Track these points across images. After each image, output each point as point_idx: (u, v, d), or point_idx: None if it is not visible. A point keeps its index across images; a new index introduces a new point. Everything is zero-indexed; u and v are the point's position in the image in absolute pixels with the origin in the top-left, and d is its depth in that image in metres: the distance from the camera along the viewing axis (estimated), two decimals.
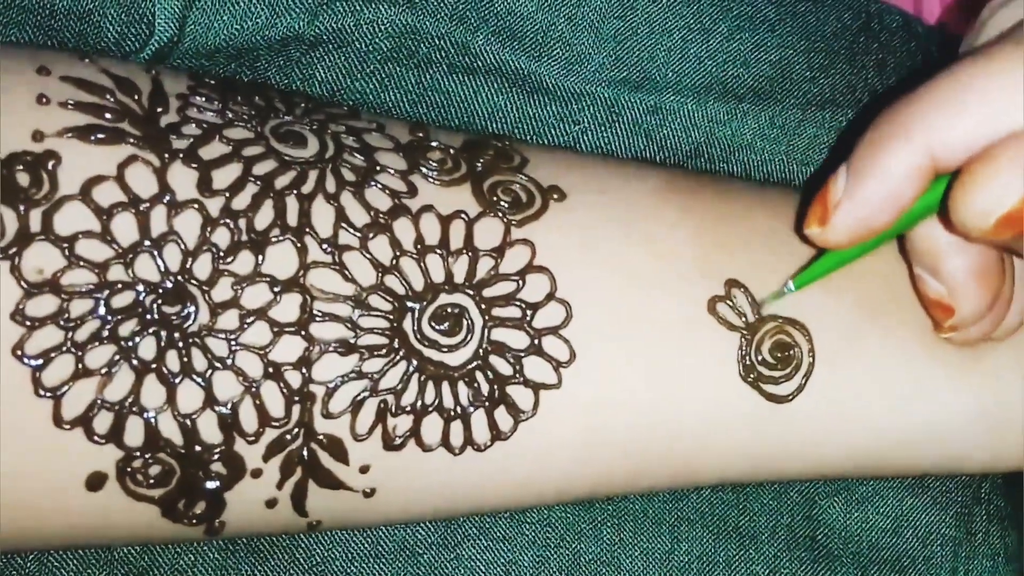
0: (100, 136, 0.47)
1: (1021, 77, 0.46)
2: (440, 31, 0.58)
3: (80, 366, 0.45)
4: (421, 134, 0.53)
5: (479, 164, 0.53)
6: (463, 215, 0.51)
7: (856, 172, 0.49)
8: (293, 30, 0.56)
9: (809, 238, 0.51)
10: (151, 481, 0.47)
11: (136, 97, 0.49)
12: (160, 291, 0.46)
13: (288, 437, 0.48)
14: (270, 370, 0.48)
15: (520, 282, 0.51)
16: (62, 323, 0.45)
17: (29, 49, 0.52)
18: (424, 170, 0.52)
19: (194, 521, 0.49)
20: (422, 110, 0.59)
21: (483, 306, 0.51)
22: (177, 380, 0.47)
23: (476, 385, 0.50)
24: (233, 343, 0.47)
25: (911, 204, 0.49)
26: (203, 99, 0.50)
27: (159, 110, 0.49)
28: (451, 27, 0.58)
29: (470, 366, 0.50)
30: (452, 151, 0.53)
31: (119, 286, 0.46)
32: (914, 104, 0.48)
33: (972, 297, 0.52)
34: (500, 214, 0.52)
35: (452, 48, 0.58)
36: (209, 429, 0.47)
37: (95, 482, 0.47)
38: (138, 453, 0.47)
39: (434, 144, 0.53)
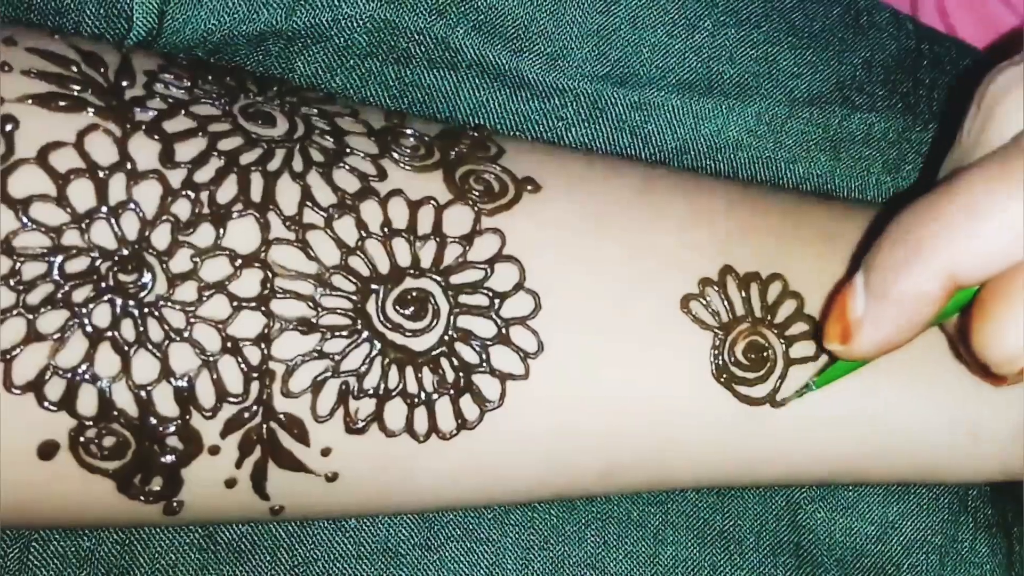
0: (61, 103, 0.47)
1: None
2: (419, 26, 0.58)
3: (32, 330, 0.45)
4: (396, 121, 0.53)
5: (453, 152, 0.52)
6: (433, 201, 0.51)
7: (875, 295, 0.48)
8: (271, 25, 0.57)
9: (832, 352, 0.51)
10: (105, 453, 0.47)
11: (102, 70, 0.49)
12: (116, 259, 0.46)
13: (246, 414, 0.48)
14: (228, 344, 0.47)
15: (488, 270, 0.51)
16: (13, 284, 0.45)
17: (0, 25, 0.52)
18: (395, 155, 0.51)
19: (151, 499, 0.49)
20: (403, 105, 0.59)
21: (450, 293, 0.50)
22: (132, 350, 0.46)
23: (441, 372, 0.50)
24: (191, 315, 0.47)
25: (935, 319, 0.48)
26: (171, 77, 0.50)
27: (124, 84, 0.49)
28: (430, 21, 0.58)
29: (435, 352, 0.50)
30: (426, 138, 0.53)
31: (74, 251, 0.46)
32: (928, 224, 0.46)
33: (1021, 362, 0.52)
34: (471, 202, 0.51)
35: (432, 43, 0.58)
36: (165, 401, 0.47)
37: (47, 451, 0.47)
38: (91, 423, 0.46)
39: (408, 131, 0.53)
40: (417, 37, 0.58)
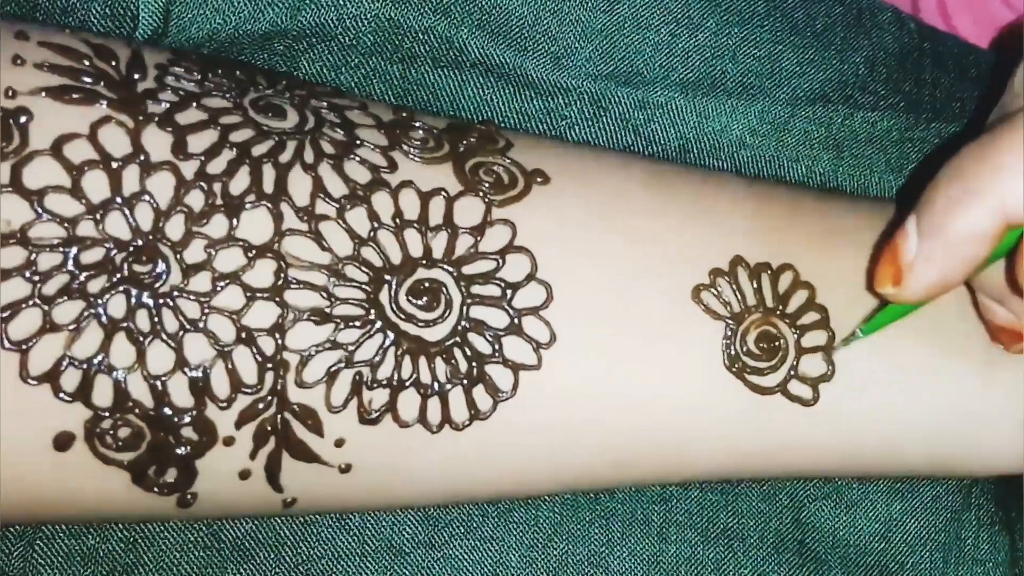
0: (74, 96, 0.47)
1: None
2: (423, 25, 0.58)
3: (48, 320, 0.45)
4: (405, 114, 0.53)
5: (462, 145, 0.53)
6: (443, 192, 0.51)
7: (928, 234, 0.48)
8: (276, 24, 0.57)
9: (883, 296, 0.51)
10: (120, 444, 0.47)
11: (113, 63, 0.49)
12: (131, 249, 0.46)
13: (261, 405, 0.48)
14: (243, 335, 0.47)
15: (500, 261, 0.51)
16: (29, 276, 0.45)
17: (10, 19, 0.52)
18: (406, 147, 0.51)
19: (166, 490, 0.49)
20: (409, 104, 0.59)
21: (462, 283, 0.50)
22: (147, 340, 0.46)
23: (454, 362, 0.50)
24: (205, 306, 0.47)
25: (987, 258, 0.48)
26: (182, 70, 0.50)
27: (136, 76, 0.49)
28: (434, 21, 0.58)
29: (448, 342, 0.50)
30: (435, 131, 0.53)
31: (88, 242, 0.45)
32: (982, 163, 0.47)
33: None
34: (481, 194, 0.51)
35: (436, 42, 0.58)
36: (180, 392, 0.47)
37: (63, 442, 0.46)
38: (107, 413, 0.46)
39: (417, 124, 0.53)
40: (421, 36, 0.58)
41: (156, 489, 0.48)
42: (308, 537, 0.56)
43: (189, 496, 0.49)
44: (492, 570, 0.57)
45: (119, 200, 0.46)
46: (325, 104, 0.52)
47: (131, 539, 0.55)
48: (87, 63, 0.48)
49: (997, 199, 0.46)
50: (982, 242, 0.47)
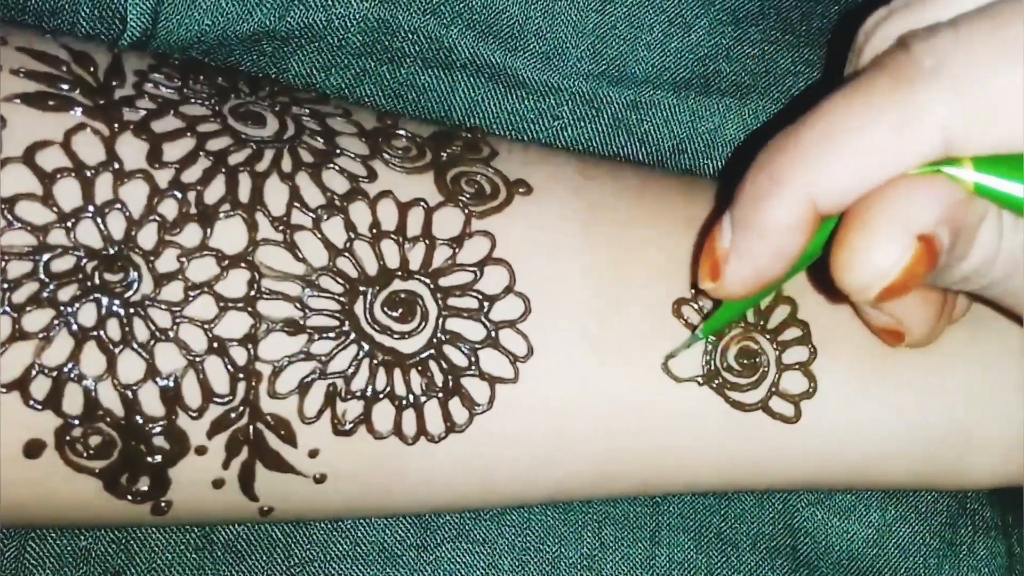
0: (49, 103, 0.47)
1: (889, 114, 0.43)
2: (413, 25, 0.57)
3: (17, 328, 0.45)
4: (389, 122, 0.53)
5: (445, 154, 0.52)
6: (422, 203, 0.50)
7: (738, 226, 0.47)
8: (264, 25, 0.56)
9: (705, 291, 0.50)
10: (91, 452, 0.47)
11: (92, 70, 0.49)
12: (102, 258, 0.46)
13: (233, 415, 0.48)
14: (215, 345, 0.47)
15: (478, 273, 0.50)
16: None
17: None
18: (386, 156, 0.51)
19: (139, 498, 0.49)
20: (399, 105, 0.58)
21: (438, 295, 0.50)
22: (118, 349, 0.46)
23: (429, 374, 0.50)
24: (177, 315, 0.47)
25: (802, 251, 0.46)
26: (162, 77, 0.50)
27: (114, 83, 0.49)
28: (424, 21, 0.58)
29: (423, 355, 0.50)
30: (418, 140, 0.53)
31: (59, 250, 0.46)
32: (786, 151, 0.45)
33: (921, 319, 0.51)
34: (461, 204, 0.51)
35: (425, 42, 0.58)
36: (151, 401, 0.47)
37: (33, 450, 0.47)
38: (77, 422, 0.46)
39: (400, 132, 0.53)
40: (411, 36, 0.58)
41: (129, 497, 0.49)
42: (301, 539, 0.56)
43: (163, 504, 0.49)
44: (484, 573, 0.57)
45: (91, 209, 0.46)
46: (307, 111, 0.52)
47: (123, 540, 0.55)
48: (65, 69, 0.48)
49: (803, 188, 0.44)
50: (793, 234, 0.45)
